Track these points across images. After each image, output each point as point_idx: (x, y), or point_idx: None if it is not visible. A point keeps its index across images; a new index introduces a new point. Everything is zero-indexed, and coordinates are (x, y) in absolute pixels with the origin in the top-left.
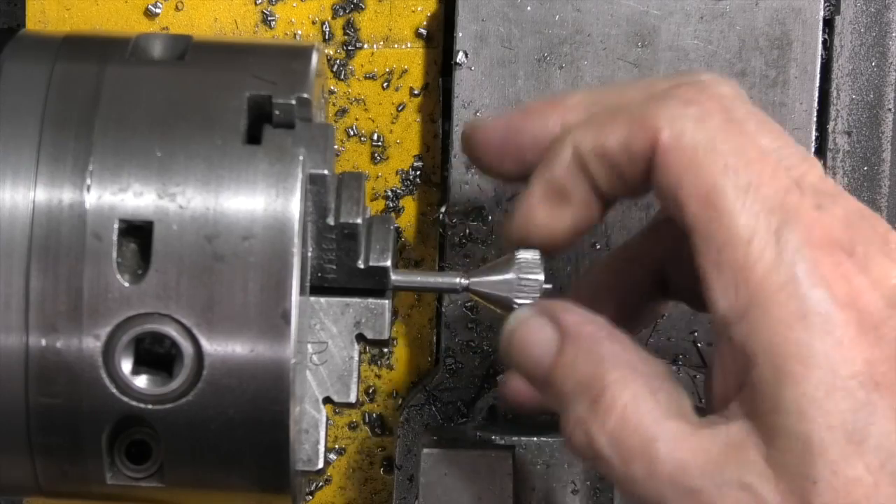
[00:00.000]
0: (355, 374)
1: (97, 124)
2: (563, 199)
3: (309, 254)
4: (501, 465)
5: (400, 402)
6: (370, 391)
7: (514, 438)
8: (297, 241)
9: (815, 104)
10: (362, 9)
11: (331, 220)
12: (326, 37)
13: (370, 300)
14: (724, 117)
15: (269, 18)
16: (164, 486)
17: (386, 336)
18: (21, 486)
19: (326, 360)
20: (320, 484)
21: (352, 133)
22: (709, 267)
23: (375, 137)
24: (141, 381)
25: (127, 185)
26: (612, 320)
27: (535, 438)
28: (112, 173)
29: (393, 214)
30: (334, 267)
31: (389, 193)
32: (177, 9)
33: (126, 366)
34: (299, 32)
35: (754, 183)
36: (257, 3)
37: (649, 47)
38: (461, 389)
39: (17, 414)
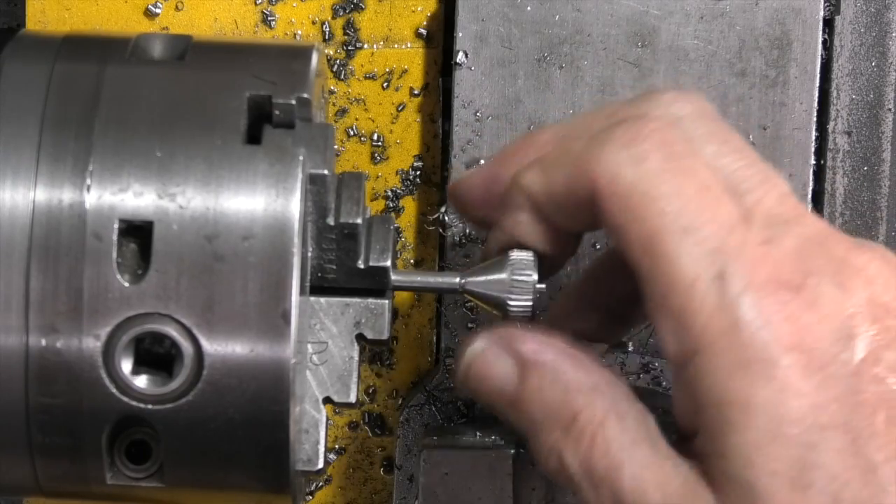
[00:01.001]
0: (355, 374)
1: (97, 124)
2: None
3: (309, 254)
4: (501, 465)
5: (400, 402)
6: (370, 391)
7: (515, 438)
8: (297, 241)
9: (815, 104)
10: (362, 9)
11: (331, 220)
12: (326, 37)
13: (370, 300)
14: (665, 153)
15: (269, 18)
16: (164, 486)
17: (386, 336)
18: (21, 486)
19: (326, 360)
20: (320, 484)
21: (352, 133)
22: (655, 312)
23: (375, 137)
24: (141, 381)
25: (127, 185)
26: (602, 325)
27: None
28: (112, 173)
29: (393, 214)
30: (334, 267)
31: (389, 193)
32: (177, 9)
33: (126, 366)
34: (299, 32)
35: (695, 224)
36: (257, 3)
37: (649, 47)
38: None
39: (17, 414)
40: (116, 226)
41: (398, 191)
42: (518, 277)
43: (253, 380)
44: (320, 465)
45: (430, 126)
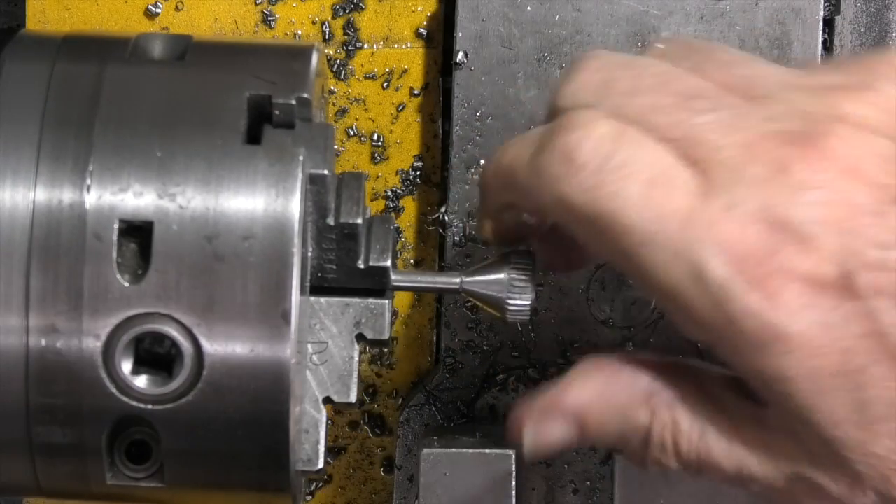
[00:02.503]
0: (355, 374)
1: (97, 124)
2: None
3: (309, 254)
4: (502, 465)
5: (400, 402)
6: (370, 391)
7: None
8: (297, 241)
9: None
10: (362, 9)
11: (331, 220)
12: (326, 37)
13: (370, 300)
14: (597, 162)
15: (269, 18)
16: (164, 486)
17: (386, 336)
18: (21, 486)
19: (326, 360)
20: (320, 484)
21: (352, 133)
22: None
23: (375, 137)
24: (141, 381)
25: (127, 185)
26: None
27: None
28: (112, 173)
29: (393, 214)
30: (334, 267)
31: (389, 193)
32: (177, 9)
33: (126, 366)
34: (299, 32)
35: (651, 230)
36: (257, 3)
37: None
38: (461, 389)
39: (17, 414)
40: (116, 226)
41: (398, 191)
42: (517, 278)
43: (253, 380)
44: (320, 465)
45: (430, 126)
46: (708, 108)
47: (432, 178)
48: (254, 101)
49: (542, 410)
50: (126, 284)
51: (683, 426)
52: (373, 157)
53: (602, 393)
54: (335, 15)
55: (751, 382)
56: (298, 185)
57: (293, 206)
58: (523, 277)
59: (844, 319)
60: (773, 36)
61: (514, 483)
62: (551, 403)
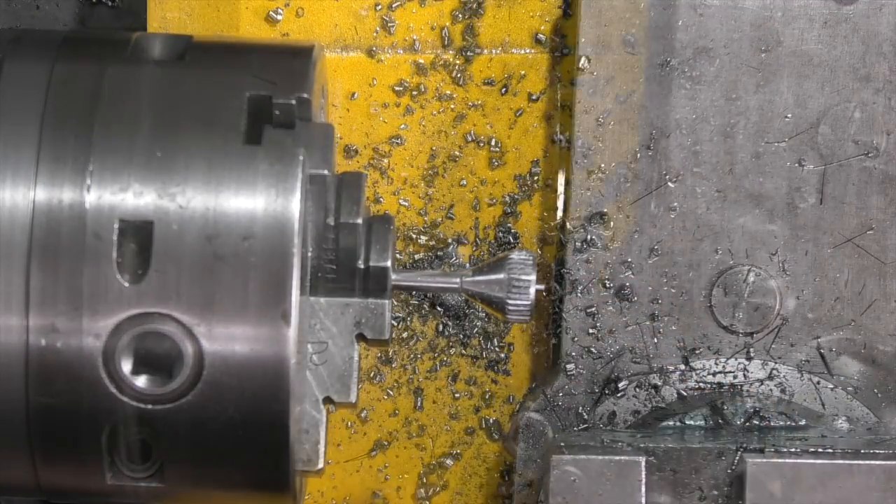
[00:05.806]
0: (355, 374)
1: (97, 124)
2: None
3: (309, 254)
4: (632, 471)
5: (517, 407)
6: (487, 396)
7: (642, 445)
8: (297, 241)
9: None
10: (481, 14)
11: (331, 220)
12: (445, 42)
13: (370, 300)
14: None
15: (389, 24)
16: (164, 486)
17: (386, 336)
18: (21, 486)
19: (326, 360)
20: (437, 489)
21: (469, 138)
22: None
23: (493, 143)
24: (141, 381)
25: (127, 184)
26: None
27: (662, 445)
28: (112, 173)
29: (511, 219)
30: (334, 267)
31: (507, 199)
32: (297, 15)
33: (126, 366)
34: (416, 38)
35: None
36: (377, 8)
37: (773, 52)
38: (581, 395)
39: (17, 414)
40: (116, 226)
41: (516, 196)
42: (517, 278)
43: (253, 380)
44: (320, 465)
45: (548, 131)
46: None
47: (550, 183)
48: (254, 101)
49: None
50: (126, 284)
51: None
52: (490, 163)
53: None
54: (454, 20)
55: None
56: (298, 185)
57: (293, 206)
58: (523, 278)
59: None
60: None
61: (643, 490)
62: None
